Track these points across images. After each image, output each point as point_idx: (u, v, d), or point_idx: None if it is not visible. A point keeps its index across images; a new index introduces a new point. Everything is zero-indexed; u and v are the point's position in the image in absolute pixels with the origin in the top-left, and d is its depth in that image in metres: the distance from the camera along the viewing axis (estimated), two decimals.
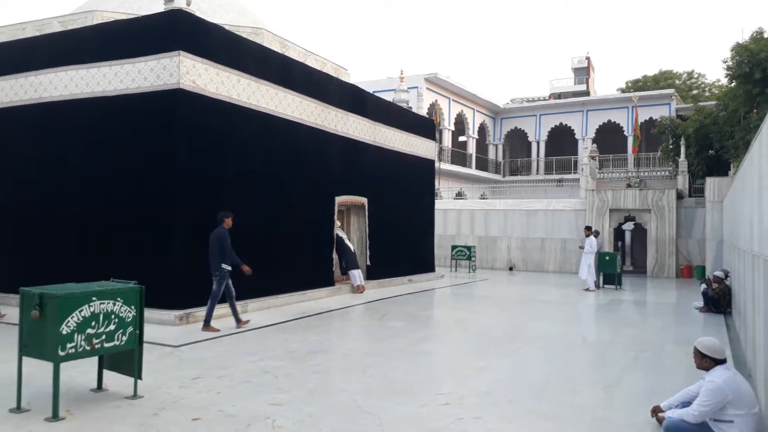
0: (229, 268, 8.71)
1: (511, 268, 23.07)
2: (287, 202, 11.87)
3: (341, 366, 6.94)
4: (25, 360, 4.85)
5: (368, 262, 14.82)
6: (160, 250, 9.44)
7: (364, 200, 14.91)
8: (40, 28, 12.39)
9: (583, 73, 47.56)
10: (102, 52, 10.12)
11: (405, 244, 16.69)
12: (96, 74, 10.14)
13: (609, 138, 34.99)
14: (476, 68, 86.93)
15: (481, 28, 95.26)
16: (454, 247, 22.12)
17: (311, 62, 14.74)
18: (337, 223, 13.91)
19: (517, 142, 39.63)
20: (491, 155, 38.21)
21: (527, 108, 38.49)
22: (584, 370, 7.20)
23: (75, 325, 4.77)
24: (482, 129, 37.29)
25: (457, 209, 24.85)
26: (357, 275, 13.89)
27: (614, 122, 34.91)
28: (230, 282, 8.81)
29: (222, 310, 9.40)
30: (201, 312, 9.26)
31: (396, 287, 15.23)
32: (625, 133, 34.39)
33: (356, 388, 5.80)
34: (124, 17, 11.33)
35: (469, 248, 21.68)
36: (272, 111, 11.54)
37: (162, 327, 8.51)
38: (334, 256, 13.62)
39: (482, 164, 36.89)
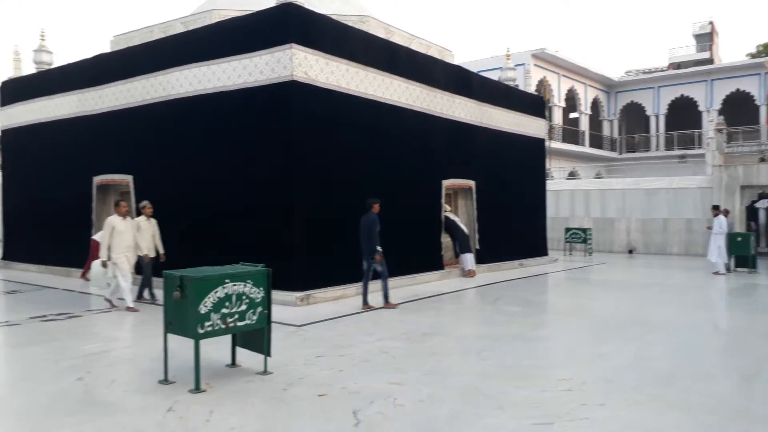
0: (380, 249, 9.21)
1: (630, 251, 21.94)
2: (395, 186, 12.01)
3: (456, 348, 6.98)
4: (170, 336, 5.31)
5: (477, 246, 14.68)
6: (282, 236, 9.92)
7: (471, 183, 14.77)
8: (165, 30, 13.34)
9: (705, 39, 43.76)
10: (221, 49, 10.74)
11: (515, 227, 16.36)
12: (216, 70, 10.77)
13: (737, 109, 32.11)
14: (586, 41, 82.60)
15: None
16: (567, 230, 21.39)
17: (416, 46, 14.73)
18: (447, 207, 13.91)
19: (634, 117, 37.39)
20: (606, 132, 36.36)
21: (644, 80, 36.14)
22: (716, 359, 6.74)
23: (211, 305, 5.15)
24: (595, 104, 35.55)
25: (570, 190, 23.96)
26: (469, 259, 13.83)
27: (743, 91, 31.97)
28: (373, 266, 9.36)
29: (338, 291, 9.78)
30: (320, 293, 9.75)
31: (507, 272, 15.00)
32: (757, 102, 31.40)
33: (473, 371, 5.82)
34: (239, 13, 11.91)
35: (584, 230, 20.86)
36: (379, 97, 11.70)
37: (285, 308, 8.95)
38: (443, 239, 13.64)
39: (596, 141, 35.22)
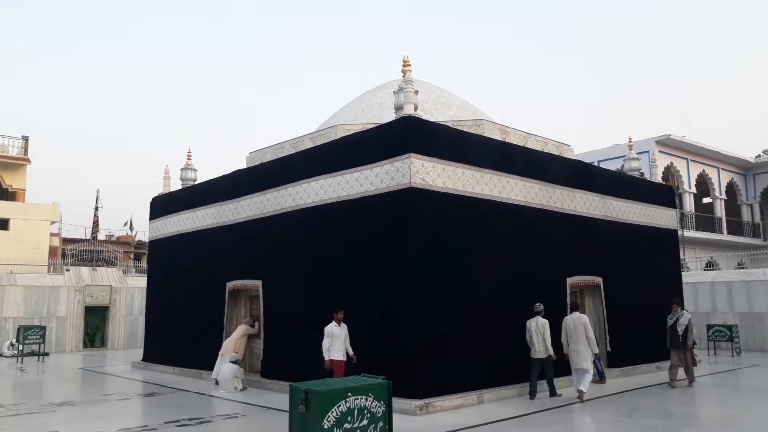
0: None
1: None
2: (515, 286, 11.73)
3: None
4: None
5: (608, 348, 13.76)
6: (400, 342, 9.97)
7: (598, 280, 14.09)
8: (296, 145, 14.53)
9: None
10: (345, 161, 11.48)
11: (650, 326, 15.12)
12: (340, 181, 11.47)
13: None
14: (712, 123, 77.77)
15: (714, 76, 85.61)
16: (709, 327, 19.48)
17: (531, 144, 14.82)
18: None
19: None
20: (745, 217, 33.59)
21: None
22: None
23: (334, 420, 5.20)
24: (731, 188, 33.19)
25: (709, 282, 22.02)
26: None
27: None
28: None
29: (458, 400, 9.51)
30: (439, 402, 9.48)
31: (642, 376, 13.80)
32: None
33: None
34: (362, 127, 12.76)
35: (729, 327, 18.90)
36: (495, 197, 11.75)
37: (403, 416, 8.80)
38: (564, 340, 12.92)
39: (735, 228, 32.52)
